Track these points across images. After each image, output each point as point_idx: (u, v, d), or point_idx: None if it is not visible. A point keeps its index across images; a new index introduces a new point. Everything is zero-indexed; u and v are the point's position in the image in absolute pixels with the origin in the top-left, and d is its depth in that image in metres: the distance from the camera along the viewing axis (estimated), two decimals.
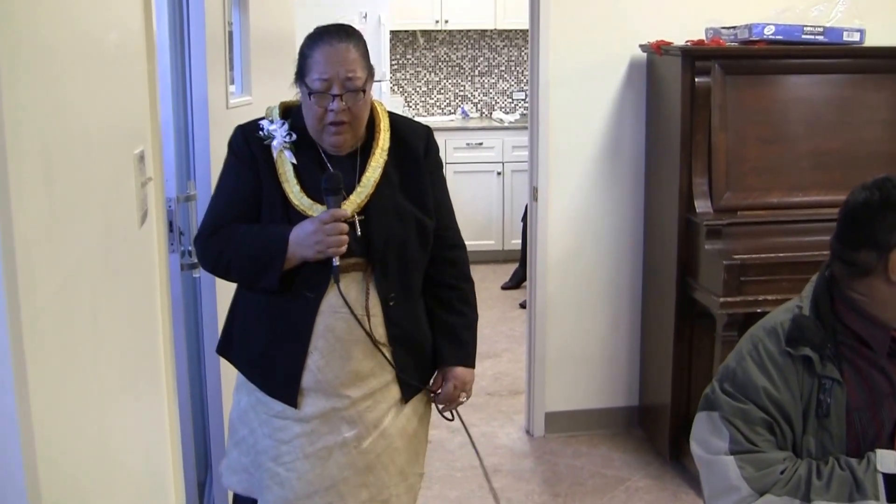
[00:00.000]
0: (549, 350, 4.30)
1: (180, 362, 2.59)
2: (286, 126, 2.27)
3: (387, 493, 2.33)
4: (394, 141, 2.33)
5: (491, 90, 7.98)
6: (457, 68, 7.94)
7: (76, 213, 1.38)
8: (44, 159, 1.20)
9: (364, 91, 2.21)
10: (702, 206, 3.70)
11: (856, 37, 3.81)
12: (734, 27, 3.85)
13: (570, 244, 4.23)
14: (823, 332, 1.92)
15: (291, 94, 2.32)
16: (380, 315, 2.29)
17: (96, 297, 1.50)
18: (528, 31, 4.38)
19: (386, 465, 2.33)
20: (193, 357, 3.02)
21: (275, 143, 2.26)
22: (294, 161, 2.26)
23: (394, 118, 2.38)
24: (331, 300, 2.24)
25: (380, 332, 2.29)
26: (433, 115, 7.92)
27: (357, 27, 2.33)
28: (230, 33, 3.29)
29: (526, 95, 7.39)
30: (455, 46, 7.90)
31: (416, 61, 7.89)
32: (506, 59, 7.94)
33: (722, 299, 3.45)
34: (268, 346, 2.30)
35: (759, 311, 3.33)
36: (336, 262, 2.19)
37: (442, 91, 7.96)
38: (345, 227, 2.18)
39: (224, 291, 2.69)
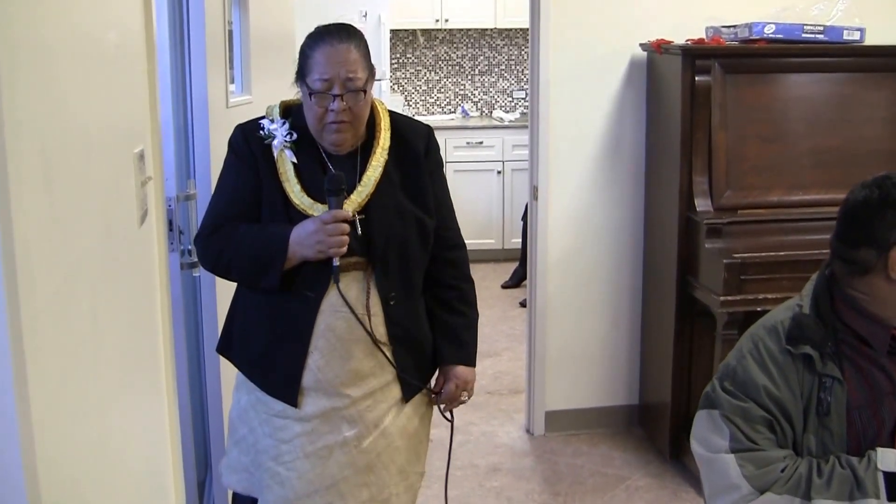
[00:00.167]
0: (550, 349, 4.30)
1: (180, 361, 2.59)
2: (287, 125, 2.27)
3: (387, 492, 2.33)
4: (394, 140, 2.33)
5: (491, 89, 7.98)
6: (457, 67, 7.93)
7: (76, 212, 1.38)
8: (43, 159, 1.20)
9: (365, 91, 2.21)
10: (702, 204, 3.70)
11: (856, 35, 3.81)
12: (734, 26, 3.84)
13: (571, 243, 4.23)
14: (824, 331, 1.92)
15: (292, 93, 2.32)
16: (380, 314, 2.29)
17: (96, 296, 1.50)
18: (528, 29, 4.38)
19: (386, 464, 2.33)
20: (193, 356, 3.02)
21: (275, 142, 2.26)
22: (294, 160, 2.26)
23: (394, 117, 2.38)
24: (331, 299, 2.24)
25: (380, 331, 2.29)
26: (433, 113, 7.92)
27: (357, 26, 2.33)
28: (230, 32, 3.29)
29: (526, 94, 7.39)
30: (455, 45, 7.90)
31: (416, 60, 7.89)
32: (506, 57, 7.93)
33: (722, 298, 3.45)
34: (268, 345, 2.30)
35: (759, 309, 3.33)
36: (336, 262, 2.19)
37: (442, 90, 7.96)
38: (346, 227, 2.18)
39: (224, 291, 2.69)
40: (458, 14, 7.49)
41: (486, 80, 7.96)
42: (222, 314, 2.56)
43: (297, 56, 2.26)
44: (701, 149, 3.71)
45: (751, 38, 3.75)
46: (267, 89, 3.54)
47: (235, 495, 2.58)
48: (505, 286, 6.76)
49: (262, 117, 2.31)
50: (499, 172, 7.29)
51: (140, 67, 2.01)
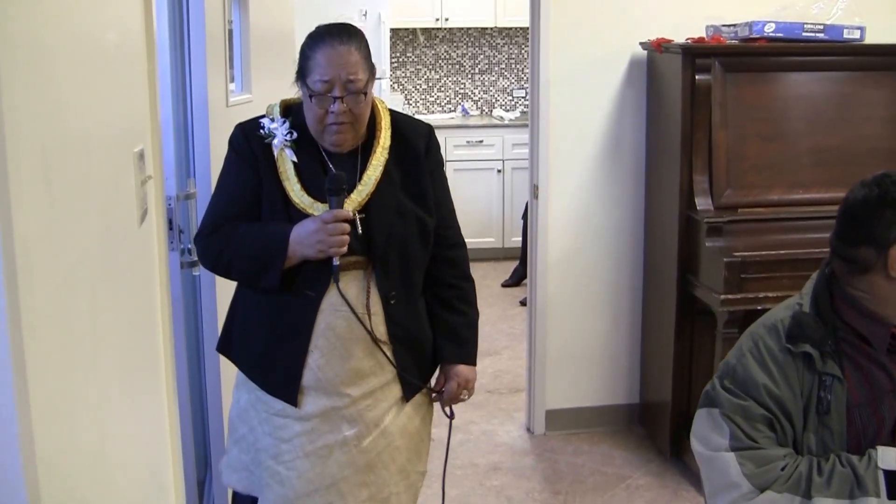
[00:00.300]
0: (550, 347, 4.30)
1: (180, 360, 2.59)
2: (287, 124, 2.27)
3: (387, 491, 2.33)
4: (395, 139, 2.33)
5: (491, 88, 7.98)
6: (457, 66, 7.93)
7: (75, 211, 1.38)
8: (43, 158, 1.20)
9: (365, 94, 2.20)
10: (702, 203, 3.70)
11: (856, 34, 3.81)
12: (734, 25, 3.84)
13: (571, 242, 4.23)
14: (824, 329, 1.92)
15: (292, 92, 2.32)
16: (381, 313, 2.29)
17: (96, 295, 1.50)
18: (528, 28, 4.38)
19: (386, 463, 2.33)
20: (193, 355, 3.02)
21: (276, 141, 2.26)
22: (295, 159, 2.25)
23: (395, 116, 2.38)
24: (331, 299, 2.24)
25: (380, 330, 2.29)
26: (433, 112, 7.92)
27: (357, 25, 2.32)
28: (230, 31, 3.28)
29: (526, 93, 7.40)
30: (455, 44, 7.89)
31: (416, 59, 7.89)
32: (506, 56, 7.93)
33: (723, 296, 3.45)
34: (268, 344, 2.30)
35: (759, 308, 3.33)
36: (336, 261, 2.19)
37: (442, 89, 7.96)
38: (347, 227, 2.18)
39: (224, 290, 2.69)
40: (458, 13, 7.49)
41: (487, 78, 7.96)
42: (222, 313, 2.56)
43: (298, 55, 2.26)
44: (701, 147, 3.71)
45: (751, 36, 3.75)
46: (267, 88, 3.54)
47: (235, 494, 2.58)
48: (505, 285, 6.76)
49: (263, 116, 2.30)
50: (499, 171, 7.29)
51: (140, 66, 2.01)
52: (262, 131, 2.27)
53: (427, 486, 2.61)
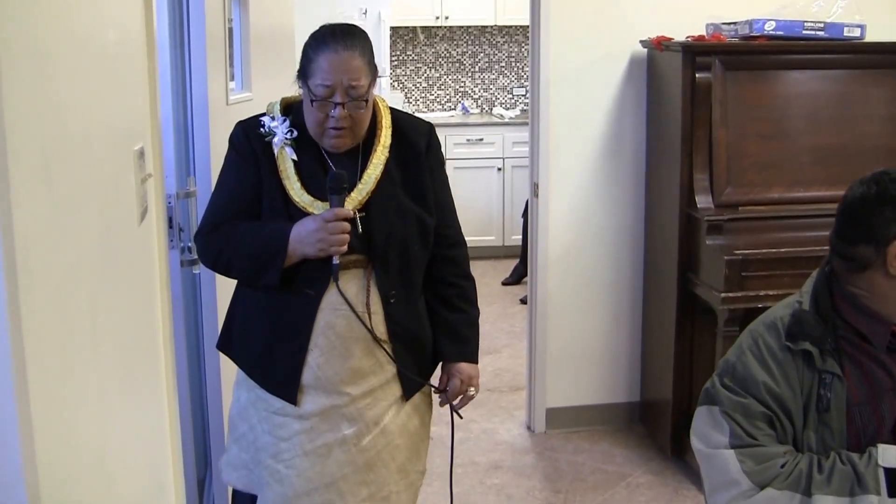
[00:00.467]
0: (550, 346, 4.30)
1: (180, 359, 2.59)
2: (287, 123, 2.26)
3: (387, 490, 2.33)
4: (395, 138, 2.33)
5: (491, 86, 7.97)
6: (457, 64, 7.93)
7: (75, 210, 1.38)
8: (43, 157, 1.20)
9: (366, 100, 2.20)
10: (703, 201, 3.70)
11: (856, 32, 3.81)
12: (735, 23, 3.84)
13: (571, 240, 4.23)
14: (823, 327, 1.92)
15: (292, 90, 2.32)
16: (380, 312, 2.28)
17: (96, 293, 1.50)
18: (528, 27, 4.38)
19: (386, 462, 2.33)
20: (193, 353, 3.02)
21: (276, 139, 2.25)
22: (295, 158, 2.25)
23: (395, 115, 2.37)
24: (331, 297, 2.23)
25: (380, 329, 2.28)
26: (433, 111, 7.92)
27: (357, 23, 2.32)
28: (230, 29, 3.28)
29: (526, 91, 7.39)
30: (455, 43, 7.89)
31: (416, 57, 7.89)
32: (506, 55, 7.93)
33: (723, 295, 3.45)
34: (268, 343, 2.30)
35: (760, 306, 3.32)
36: (336, 260, 2.19)
37: (442, 87, 7.96)
38: (347, 226, 2.18)
39: (224, 288, 2.69)
40: (459, 11, 7.49)
41: (487, 77, 7.96)
42: (222, 312, 2.56)
43: (300, 54, 2.25)
44: (701, 146, 3.71)
45: (751, 34, 3.74)
46: (267, 86, 3.53)
47: (235, 492, 2.58)
48: (505, 283, 6.76)
49: (263, 114, 2.30)
50: (499, 169, 7.29)
51: (140, 65, 2.01)
52: (262, 129, 2.26)
53: (427, 484, 2.62)
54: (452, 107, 7.96)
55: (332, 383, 2.26)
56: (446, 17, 7.48)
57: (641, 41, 4.05)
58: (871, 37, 3.85)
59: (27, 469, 1.08)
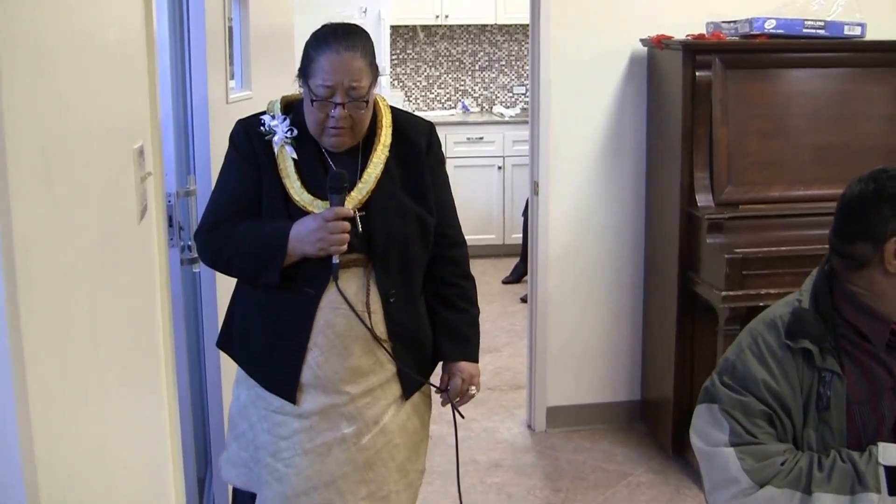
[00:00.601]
0: (551, 344, 4.30)
1: (180, 357, 2.59)
2: (288, 121, 2.26)
3: (386, 489, 2.33)
4: (396, 137, 2.32)
5: (491, 85, 7.97)
6: (457, 63, 7.93)
7: (75, 208, 1.38)
8: (43, 155, 1.20)
9: (367, 101, 2.20)
10: (703, 199, 3.70)
11: (857, 31, 3.80)
12: (735, 21, 3.84)
13: (571, 238, 4.23)
14: (823, 325, 1.92)
15: (292, 88, 2.32)
16: (380, 312, 2.28)
17: (96, 292, 1.50)
18: (528, 25, 4.38)
19: (386, 461, 2.33)
20: (193, 352, 3.02)
21: (276, 138, 2.25)
22: (295, 156, 2.25)
23: (396, 113, 2.37)
24: (331, 296, 2.23)
25: (380, 328, 2.28)
26: (433, 109, 7.91)
27: (357, 22, 2.32)
28: (230, 28, 3.28)
29: (526, 90, 7.39)
30: (455, 41, 7.89)
31: (416, 56, 7.89)
32: (506, 53, 7.93)
33: (724, 293, 3.45)
34: (268, 341, 2.30)
35: (761, 304, 3.32)
36: (336, 259, 2.19)
37: (442, 86, 7.95)
38: (347, 225, 2.18)
39: (224, 286, 2.69)
40: (459, 10, 7.49)
41: (487, 75, 7.96)
42: (222, 310, 2.56)
43: (301, 53, 2.24)
44: (702, 144, 3.71)
45: (751, 33, 3.74)
46: (267, 85, 3.53)
47: (235, 491, 2.58)
48: (505, 282, 6.76)
49: (264, 113, 2.30)
50: (499, 168, 7.29)
51: (140, 64, 2.01)
52: (262, 128, 2.26)
53: (427, 483, 2.62)
54: (452, 105, 7.95)
55: (332, 382, 2.26)
56: (446, 16, 7.48)
57: (641, 40, 4.05)
58: (872, 35, 3.85)
59: (26, 469, 1.08)
